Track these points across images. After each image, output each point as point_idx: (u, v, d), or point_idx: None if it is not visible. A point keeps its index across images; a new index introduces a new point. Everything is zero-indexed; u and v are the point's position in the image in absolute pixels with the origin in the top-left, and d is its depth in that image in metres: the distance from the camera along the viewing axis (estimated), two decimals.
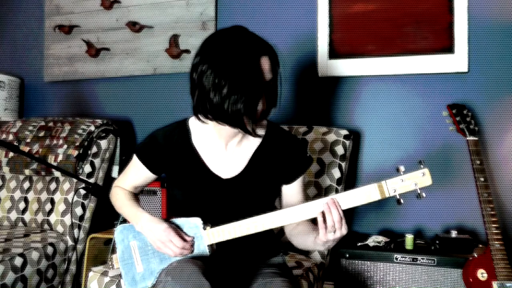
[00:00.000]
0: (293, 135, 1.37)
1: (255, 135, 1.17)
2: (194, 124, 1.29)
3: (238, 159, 1.27)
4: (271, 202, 1.36)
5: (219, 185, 1.26)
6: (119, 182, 1.41)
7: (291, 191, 1.33)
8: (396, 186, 1.02)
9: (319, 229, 1.06)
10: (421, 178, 1.01)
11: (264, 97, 1.12)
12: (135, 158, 1.34)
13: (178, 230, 1.20)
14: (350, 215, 2.10)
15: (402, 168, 1.02)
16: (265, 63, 1.11)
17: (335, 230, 1.04)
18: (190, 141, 1.28)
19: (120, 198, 1.37)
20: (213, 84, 1.08)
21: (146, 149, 1.31)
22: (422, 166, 1.01)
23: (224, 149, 1.26)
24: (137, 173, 1.35)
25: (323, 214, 1.05)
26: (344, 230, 1.05)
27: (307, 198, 1.38)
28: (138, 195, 1.44)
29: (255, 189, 1.28)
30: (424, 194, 1.00)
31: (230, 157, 1.27)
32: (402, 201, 1.02)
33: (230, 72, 1.07)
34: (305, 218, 1.08)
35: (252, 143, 1.28)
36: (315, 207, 1.07)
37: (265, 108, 1.14)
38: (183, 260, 1.17)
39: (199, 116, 1.20)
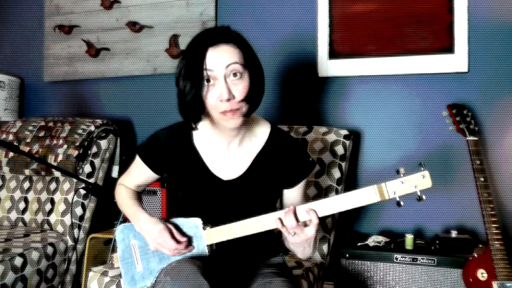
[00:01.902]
0: (296, 140, 1.36)
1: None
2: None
3: (239, 161, 1.26)
4: (272, 204, 1.36)
5: (220, 186, 1.26)
6: (123, 180, 1.42)
7: (292, 194, 1.33)
8: (396, 188, 1.01)
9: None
10: (421, 181, 1.00)
11: (224, 87, 1.09)
12: (137, 158, 1.34)
13: (174, 230, 1.20)
14: (350, 215, 2.10)
15: (402, 170, 1.02)
16: (222, 50, 1.11)
17: (294, 232, 1.09)
18: (191, 142, 1.28)
19: (122, 196, 1.38)
20: (179, 72, 1.14)
21: (148, 149, 1.32)
22: (422, 168, 1.01)
23: (225, 151, 1.26)
24: (139, 172, 1.36)
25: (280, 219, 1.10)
26: (308, 232, 1.08)
27: (307, 200, 1.38)
28: (141, 193, 1.45)
29: (255, 192, 1.28)
30: (424, 197, 1.00)
31: (232, 158, 1.26)
32: (402, 203, 1.02)
33: (186, 57, 1.12)
34: (303, 219, 1.08)
35: (254, 146, 1.27)
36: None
37: (236, 101, 1.11)
38: (182, 260, 1.17)
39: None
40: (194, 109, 1.13)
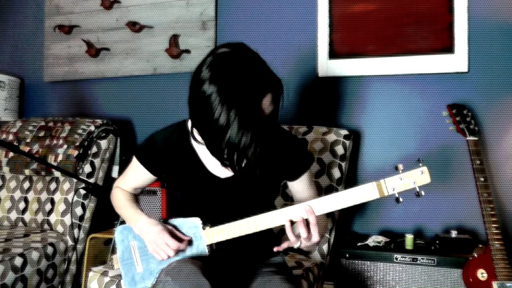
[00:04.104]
0: (291, 133, 1.36)
1: (238, 172, 1.08)
2: None
3: None
4: (271, 201, 1.36)
5: (218, 185, 1.26)
6: (119, 183, 1.42)
7: (299, 187, 1.33)
8: (395, 184, 1.02)
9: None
10: (419, 176, 1.01)
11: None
12: (135, 160, 1.34)
13: (174, 231, 1.20)
14: (350, 215, 2.10)
15: (400, 167, 1.02)
16: (267, 100, 1.02)
17: (300, 242, 1.09)
18: (189, 142, 1.27)
19: (119, 199, 1.37)
20: (216, 112, 0.98)
21: (146, 151, 1.31)
22: (420, 164, 1.02)
23: None
24: (137, 174, 1.35)
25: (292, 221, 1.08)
26: (314, 238, 1.08)
27: (319, 193, 1.38)
28: (138, 196, 1.44)
29: (253, 188, 1.28)
30: (423, 192, 1.00)
31: None
32: (401, 199, 1.02)
33: (238, 105, 0.97)
34: (304, 216, 1.08)
35: None
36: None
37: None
38: (182, 260, 1.17)
39: (194, 132, 1.13)
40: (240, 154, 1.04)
